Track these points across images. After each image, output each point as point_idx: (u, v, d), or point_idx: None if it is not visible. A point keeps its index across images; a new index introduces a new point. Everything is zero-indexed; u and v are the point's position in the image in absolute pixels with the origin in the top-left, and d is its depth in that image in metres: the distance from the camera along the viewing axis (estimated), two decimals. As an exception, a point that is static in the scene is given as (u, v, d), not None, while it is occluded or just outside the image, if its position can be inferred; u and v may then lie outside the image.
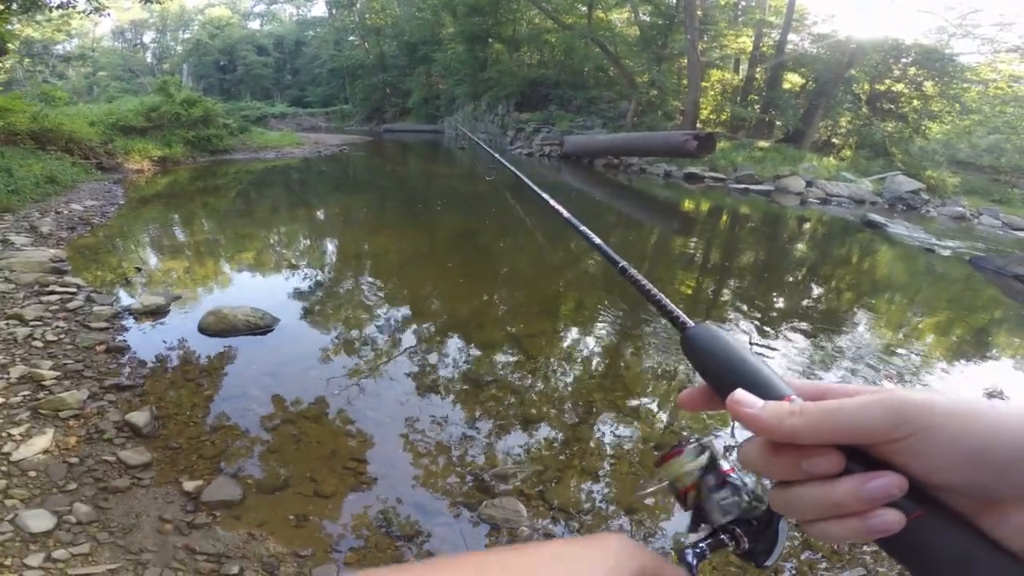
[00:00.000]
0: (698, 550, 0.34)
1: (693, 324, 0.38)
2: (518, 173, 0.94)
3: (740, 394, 0.31)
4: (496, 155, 1.27)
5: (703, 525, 0.35)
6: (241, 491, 1.96)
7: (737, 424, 0.33)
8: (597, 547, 0.30)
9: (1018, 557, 0.26)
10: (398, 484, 2.14)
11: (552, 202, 0.72)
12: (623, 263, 0.50)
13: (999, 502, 0.26)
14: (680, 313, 0.40)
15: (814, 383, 0.33)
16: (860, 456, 0.29)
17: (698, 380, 0.37)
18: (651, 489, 0.36)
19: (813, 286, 5.77)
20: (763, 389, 0.32)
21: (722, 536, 0.34)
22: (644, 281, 0.46)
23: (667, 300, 0.42)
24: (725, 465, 0.36)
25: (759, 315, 4.40)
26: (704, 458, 0.35)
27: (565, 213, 0.67)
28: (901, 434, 0.27)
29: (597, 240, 0.57)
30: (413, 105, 30.71)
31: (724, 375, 0.34)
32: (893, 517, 0.27)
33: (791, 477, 0.30)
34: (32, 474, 1.88)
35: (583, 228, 0.61)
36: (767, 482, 0.34)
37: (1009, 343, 4.58)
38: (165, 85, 12.73)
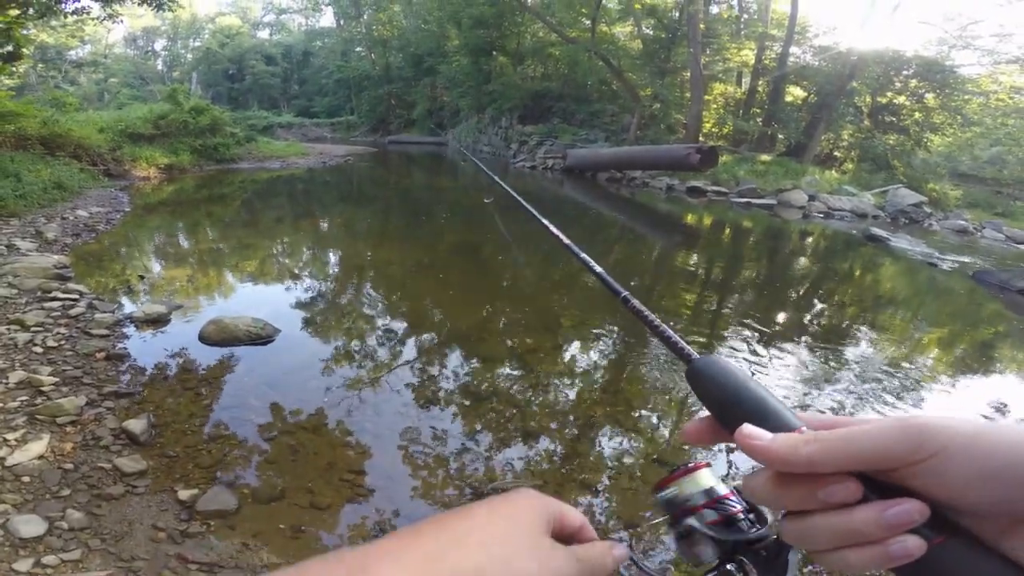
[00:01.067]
0: None
1: (699, 356, 0.37)
2: (519, 199, 0.93)
3: (749, 428, 0.31)
4: (495, 178, 1.26)
5: (710, 555, 0.34)
6: (236, 501, 1.95)
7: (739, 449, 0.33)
8: (513, 504, 0.34)
9: None
10: (395, 497, 2.12)
11: (553, 228, 0.71)
12: (625, 293, 0.49)
13: (1020, 524, 0.26)
14: (685, 345, 0.39)
15: (822, 416, 0.33)
16: (875, 483, 0.28)
17: (703, 410, 0.37)
18: (659, 519, 0.36)
19: (816, 302, 5.75)
20: (772, 421, 0.32)
21: (729, 567, 0.33)
22: (647, 312, 0.45)
23: (671, 331, 0.41)
24: (724, 490, 0.35)
25: (761, 332, 4.39)
26: (703, 483, 0.35)
27: (565, 239, 0.66)
28: (919, 457, 0.27)
29: (599, 269, 0.56)
30: (418, 117, 30.97)
31: (731, 408, 0.33)
32: (914, 543, 0.26)
33: (805, 507, 0.29)
34: (26, 479, 1.88)
35: (584, 256, 0.60)
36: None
37: (1013, 358, 4.54)
38: (174, 93, 12.87)
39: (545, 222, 0.75)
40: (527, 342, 3.73)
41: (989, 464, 0.26)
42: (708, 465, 0.36)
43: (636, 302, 0.47)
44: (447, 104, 29.20)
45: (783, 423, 0.31)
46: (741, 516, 0.34)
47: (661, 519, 0.36)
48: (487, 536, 0.31)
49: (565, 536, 0.35)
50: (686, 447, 2.58)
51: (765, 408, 0.32)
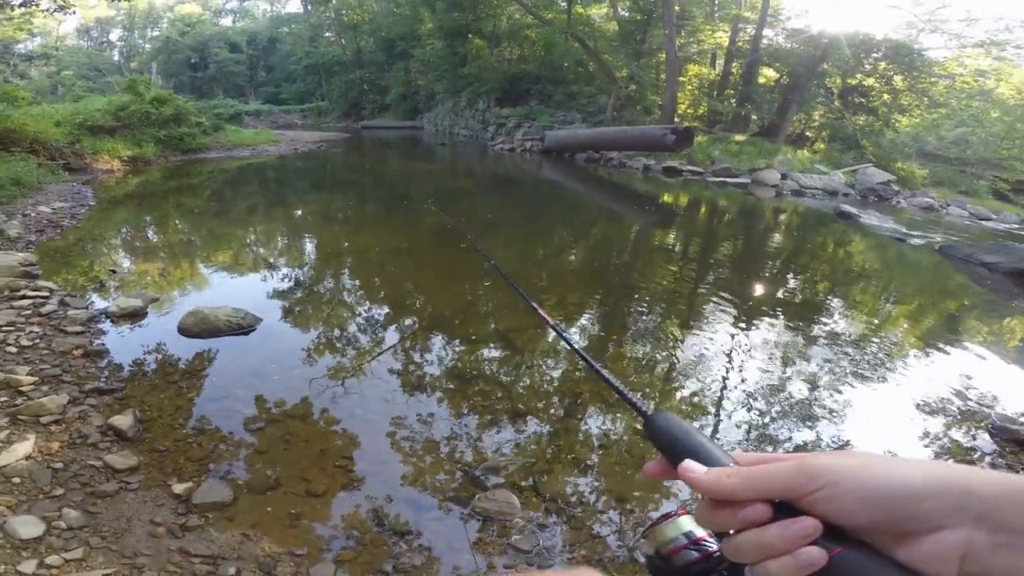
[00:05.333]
0: None
1: (652, 412, 0.45)
2: (515, 285, 0.85)
3: (687, 463, 0.39)
4: (494, 262, 1.20)
5: None
6: (232, 492, 1.94)
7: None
8: None
9: None
10: (389, 481, 2.14)
11: (546, 315, 0.71)
12: (597, 365, 0.54)
13: (908, 534, 0.32)
14: (640, 404, 0.47)
15: (757, 454, 0.39)
16: (787, 508, 0.35)
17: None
18: (645, 550, 0.43)
19: (790, 278, 5.91)
20: (708, 460, 0.39)
21: None
22: (612, 379, 0.51)
23: (629, 394, 0.48)
24: (701, 532, 0.41)
25: (734, 309, 4.49)
26: (683, 527, 0.41)
27: (571, 341, 0.68)
28: (814, 487, 0.34)
29: (570, 339, 0.62)
30: (392, 101, 30.40)
31: (678, 451, 0.41)
32: (816, 552, 0.33)
33: (732, 528, 0.37)
34: (16, 480, 1.84)
35: (564, 333, 0.65)
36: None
37: (977, 329, 4.75)
38: (134, 84, 12.35)
39: (543, 313, 0.71)
40: (510, 323, 3.75)
41: (868, 492, 0.33)
42: (687, 512, 0.42)
43: (603, 372, 0.52)
44: (422, 88, 28.75)
45: (718, 462, 0.39)
46: (718, 554, 0.40)
47: (647, 559, 0.43)
48: None
49: None
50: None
51: (703, 451, 0.40)
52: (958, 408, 3.07)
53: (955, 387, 3.30)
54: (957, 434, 2.83)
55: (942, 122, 19.26)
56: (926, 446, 2.72)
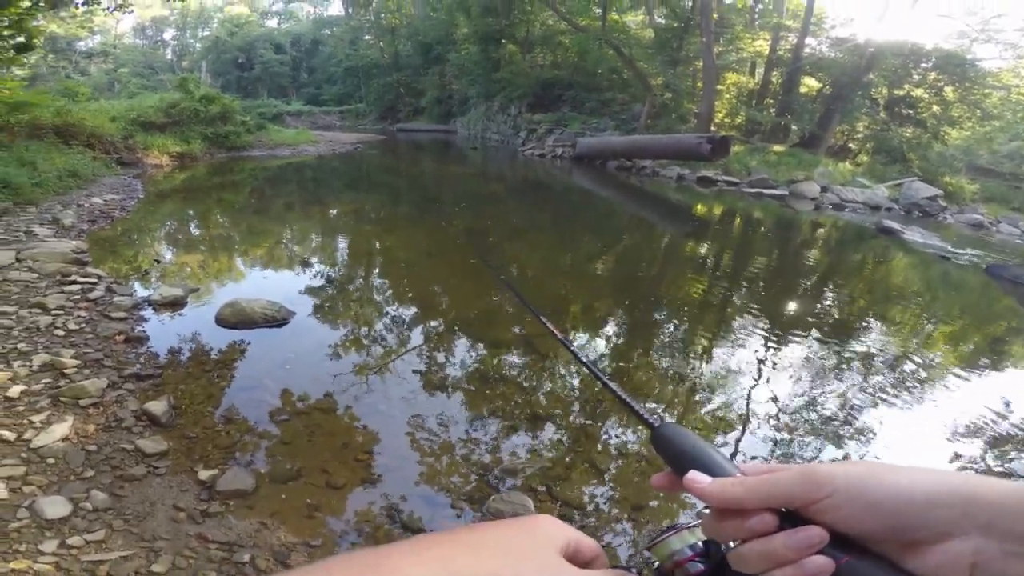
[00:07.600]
0: None
1: (660, 424, 0.45)
2: (539, 316, 0.83)
3: (693, 474, 0.39)
4: (499, 276, 1.19)
5: None
6: (254, 481, 1.99)
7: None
8: (531, 525, 0.37)
9: None
10: (408, 477, 2.16)
11: (559, 336, 0.69)
12: (604, 377, 0.54)
13: (916, 543, 0.32)
14: (647, 416, 0.47)
15: (763, 465, 0.39)
16: (793, 517, 0.35)
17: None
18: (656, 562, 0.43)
19: (825, 293, 5.72)
20: (715, 471, 0.39)
21: None
22: (620, 391, 0.51)
23: (637, 406, 0.48)
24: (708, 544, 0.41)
25: (764, 324, 4.37)
26: (689, 540, 0.41)
27: (550, 326, 0.69)
28: (818, 496, 0.34)
29: (578, 353, 0.62)
30: (426, 104, 30.89)
31: (685, 463, 0.41)
32: (822, 561, 0.33)
33: (738, 537, 0.36)
34: (51, 461, 1.93)
35: (571, 346, 0.64)
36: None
37: (1022, 353, 4.50)
38: (184, 82, 12.92)
39: (551, 327, 0.69)
40: (532, 328, 3.75)
41: (873, 499, 0.32)
42: (695, 524, 0.42)
43: (612, 385, 0.52)
44: (456, 92, 29.09)
45: (723, 472, 0.39)
46: (724, 566, 0.39)
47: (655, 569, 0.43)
48: (501, 548, 0.34)
49: (579, 563, 0.37)
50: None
51: (710, 461, 0.40)
52: (996, 432, 2.93)
53: (995, 410, 3.14)
54: (990, 457, 2.71)
55: (995, 135, 18.35)
56: (959, 468, 2.59)
